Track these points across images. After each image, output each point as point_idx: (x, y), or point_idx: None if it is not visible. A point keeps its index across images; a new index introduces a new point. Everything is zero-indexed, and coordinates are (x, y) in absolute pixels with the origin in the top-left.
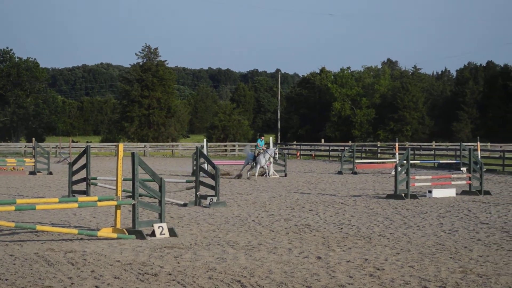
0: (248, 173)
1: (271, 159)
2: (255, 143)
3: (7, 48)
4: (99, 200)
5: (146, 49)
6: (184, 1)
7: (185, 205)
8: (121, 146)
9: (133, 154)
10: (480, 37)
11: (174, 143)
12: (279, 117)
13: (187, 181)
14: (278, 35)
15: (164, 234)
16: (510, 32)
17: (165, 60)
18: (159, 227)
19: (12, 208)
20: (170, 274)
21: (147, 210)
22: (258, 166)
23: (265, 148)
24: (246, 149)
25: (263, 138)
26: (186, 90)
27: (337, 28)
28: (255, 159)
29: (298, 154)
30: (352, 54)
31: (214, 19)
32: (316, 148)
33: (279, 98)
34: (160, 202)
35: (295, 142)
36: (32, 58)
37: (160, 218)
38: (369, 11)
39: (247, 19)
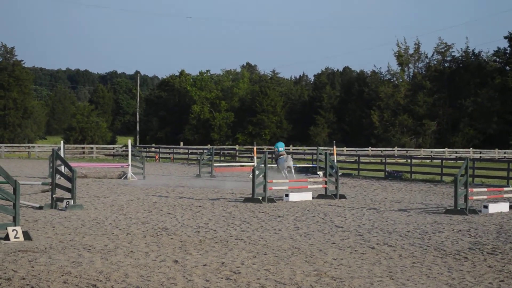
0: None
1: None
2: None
3: None
4: None
5: (2, 48)
6: (42, 0)
7: (40, 208)
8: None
9: None
10: (338, 42)
11: (30, 145)
12: (138, 120)
13: (43, 184)
14: (138, 36)
15: (18, 237)
16: (366, 38)
17: (22, 60)
18: (13, 230)
19: None
20: (24, 279)
21: (1, 213)
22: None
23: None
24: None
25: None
26: (44, 90)
27: (196, 31)
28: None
29: (157, 156)
30: (212, 58)
31: (73, 19)
32: (175, 151)
33: (138, 100)
34: (14, 204)
35: (154, 145)
36: None
37: (15, 221)
38: (229, 14)
39: (106, 20)
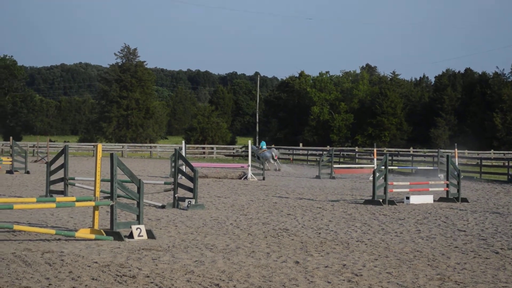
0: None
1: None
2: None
3: None
4: (77, 201)
5: (125, 50)
6: (165, 2)
7: (163, 207)
8: (99, 146)
9: (111, 155)
10: (459, 44)
11: (152, 144)
12: (257, 120)
13: (165, 183)
14: (258, 38)
15: (142, 236)
16: (488, 39)
17: (144, 61)
18: (137, 228)
19: None
20: (148, 277)
21: (125, 211)
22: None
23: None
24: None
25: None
26: (165, 91)
27: (316, 32)
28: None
29: (276, 157)
30: (331, 59)
31: (195, 21)
32: (294, 152)
33: (257, 101)
34: (138, 203)
35: (273, 146)
36: (9, 56)
37: (138, 220)
38: (349, 15)
39: (227, 21)
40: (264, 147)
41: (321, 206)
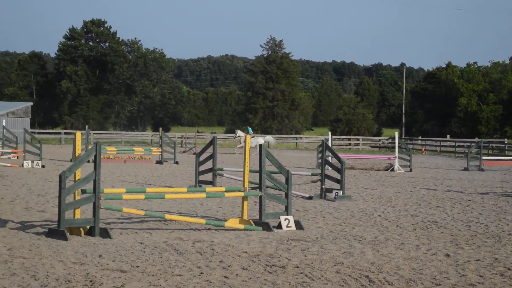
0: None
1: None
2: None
3: (135, 38)
4: (226, 191)
5: (271, 41)
6: None
7: (310, 198)
8: (248, 138)
9: (260, 146)
10: None
11: (297, 136)
12: (403, 112)
13: (312, 174)
14: (403, 28)
15: (290, 226)
16: None
17: (290, 53)
18: (285, 219)
19: (142, 197)
20: (297, 267)
21: (273, 202)
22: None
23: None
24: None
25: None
26: (310, 83)
27: (464, 22)
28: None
29: (423, 149)
30: (479, 49)
31: (339, 12)
32: (441, 144)
33: (403, 92)
34: (286, 194)
35: (420, 137)
36: (158, 49)
37: (287, 211)
38: (498, 5)
39: (373, 12)
40: (251, 132)
41: (470, 199)
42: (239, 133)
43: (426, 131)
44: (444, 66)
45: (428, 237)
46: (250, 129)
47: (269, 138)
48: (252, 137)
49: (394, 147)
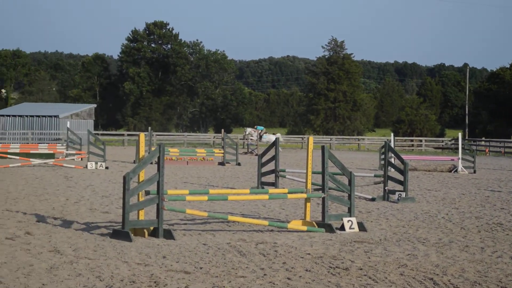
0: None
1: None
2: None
3: (197, 40)
4: (289, 193)
5: (333, 42)
6: None
7: (373, 199)
8: (311, 139)
9: (323, 147)
10: None
11: (360, 137)
12: (467, 113)
13: (375, 175)
14: (466, 28)
15: (353, 228)
16: None
17: (351, 53)
18: (348, 221)
19: (205, 198)
20: (361, 269)
21: (336, 203)
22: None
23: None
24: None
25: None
26: (372, 83)
27: None
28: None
29: (487, 150)
30: None
31: (401, 12)
32: (506, 145)
33: (467, 93)
34: (349, 196)
35: (483, 138)
36: (220, 50)
37: (350, 212)
38: None
39: (435, 12)
40: (262, 127)
41: None
42: (248, 130)
43: (490, 132)
44: (508, 66)
45: (493, 239)
46: (259, 127)
47: (278, 135)
48: (265, 133)
49: (457, 148)
